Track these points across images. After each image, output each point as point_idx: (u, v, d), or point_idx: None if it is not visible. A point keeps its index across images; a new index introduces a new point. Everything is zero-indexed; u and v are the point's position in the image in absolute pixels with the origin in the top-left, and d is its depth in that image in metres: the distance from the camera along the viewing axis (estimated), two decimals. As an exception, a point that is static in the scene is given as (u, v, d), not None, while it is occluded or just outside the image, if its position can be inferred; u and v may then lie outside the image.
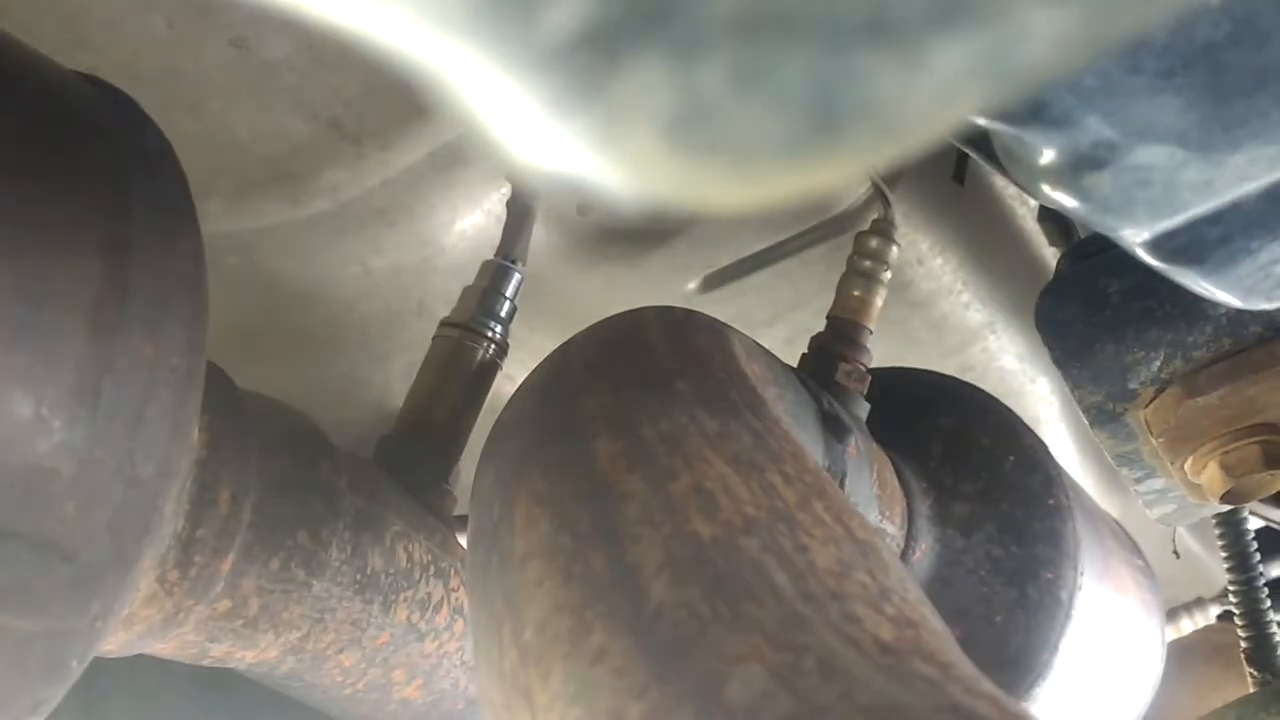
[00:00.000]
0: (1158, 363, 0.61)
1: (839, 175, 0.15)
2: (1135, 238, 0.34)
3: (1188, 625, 1.21)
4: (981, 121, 0.30)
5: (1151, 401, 0.63)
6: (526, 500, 0.42)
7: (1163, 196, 0.31)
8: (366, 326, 0.92)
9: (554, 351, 0.55)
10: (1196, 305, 0.59)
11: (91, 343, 0.38)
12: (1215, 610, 1.21)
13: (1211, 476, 0.64)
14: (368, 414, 0.97)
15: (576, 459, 0.42)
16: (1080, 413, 1.31)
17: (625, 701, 0.30)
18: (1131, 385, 0.64)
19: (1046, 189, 0.32)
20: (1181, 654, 1.17)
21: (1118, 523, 0.91)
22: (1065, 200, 0.32)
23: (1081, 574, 0.77)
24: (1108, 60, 0.26)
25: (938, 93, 0.14)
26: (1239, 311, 0.58)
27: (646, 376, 0.47)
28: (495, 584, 0.40)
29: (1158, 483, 0.73)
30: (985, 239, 1.05)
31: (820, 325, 0.80)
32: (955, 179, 0.85)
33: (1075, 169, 0.30)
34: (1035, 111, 0.28)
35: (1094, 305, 0.62)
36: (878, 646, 0.31)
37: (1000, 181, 1.07)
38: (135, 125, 0.45)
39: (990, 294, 1.08)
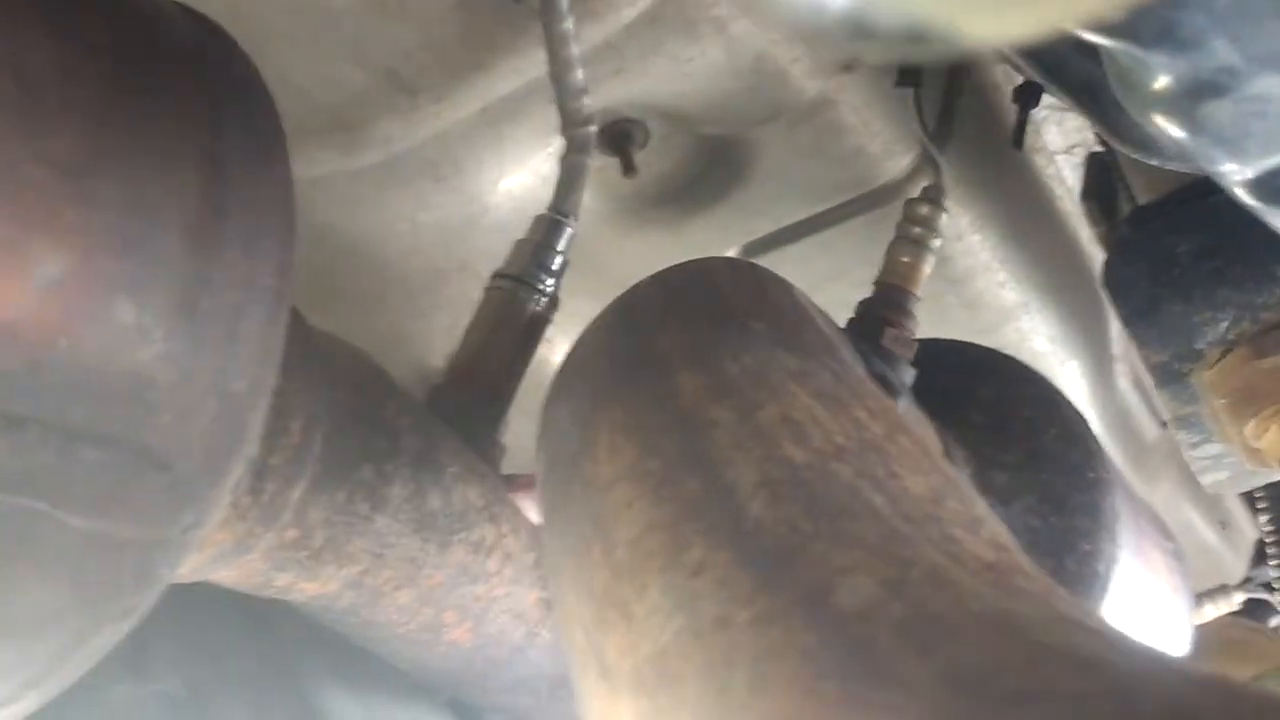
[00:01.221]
0: (1225, 324, 0.61)
1: (1092, 8, 0.15)
2: (1237, 175, 0.34)
3: (1210, 611, 1.22)
4: (1105, 41, 0.30)
5: (1217, 363, 0.64)
6: (609, 430, 0.42)
7: (1278, 130, 0.31)
8: (410, 282, 0.93)
9: (618, 298, 0.55)
10: (1266, 266, 0.60)
11: (190, 256, 0.38)
12: (1239, 597, 1.22)
13: (1273, 440, 0.64)
14: (408, 369, 0.97)
15: (659, 392, 0.42)
16: (1107, 400, 1.31)
17: (731, 609, 0.31)
18: (1198, 345, 0.64)
19: (1159, 117, 0.32)
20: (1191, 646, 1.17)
21: (1150, 506, 0.92)
22: (1175, 130, 0.32)
23: (1119, 548, 0.77)
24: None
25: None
26: (1310, 273, 0.58)
27: (722, 317, 0.47)
28: (580, 508, 0.40)
29: (1214, 448, 0.73)
30: (1024, 219, 1.05)
31: (860, 296, 0.80)
32: (1014, 145, 0.85)
33: (1194, 95, 0.30)
34: (1165, 30, 0.29)
35: (1162, 265, 0.63)
36: (980, 563, 0.31)
37: (1041, 161, 1.07)
38: (227, 51, 0.45)
39: (1026, 274, 1.08)
